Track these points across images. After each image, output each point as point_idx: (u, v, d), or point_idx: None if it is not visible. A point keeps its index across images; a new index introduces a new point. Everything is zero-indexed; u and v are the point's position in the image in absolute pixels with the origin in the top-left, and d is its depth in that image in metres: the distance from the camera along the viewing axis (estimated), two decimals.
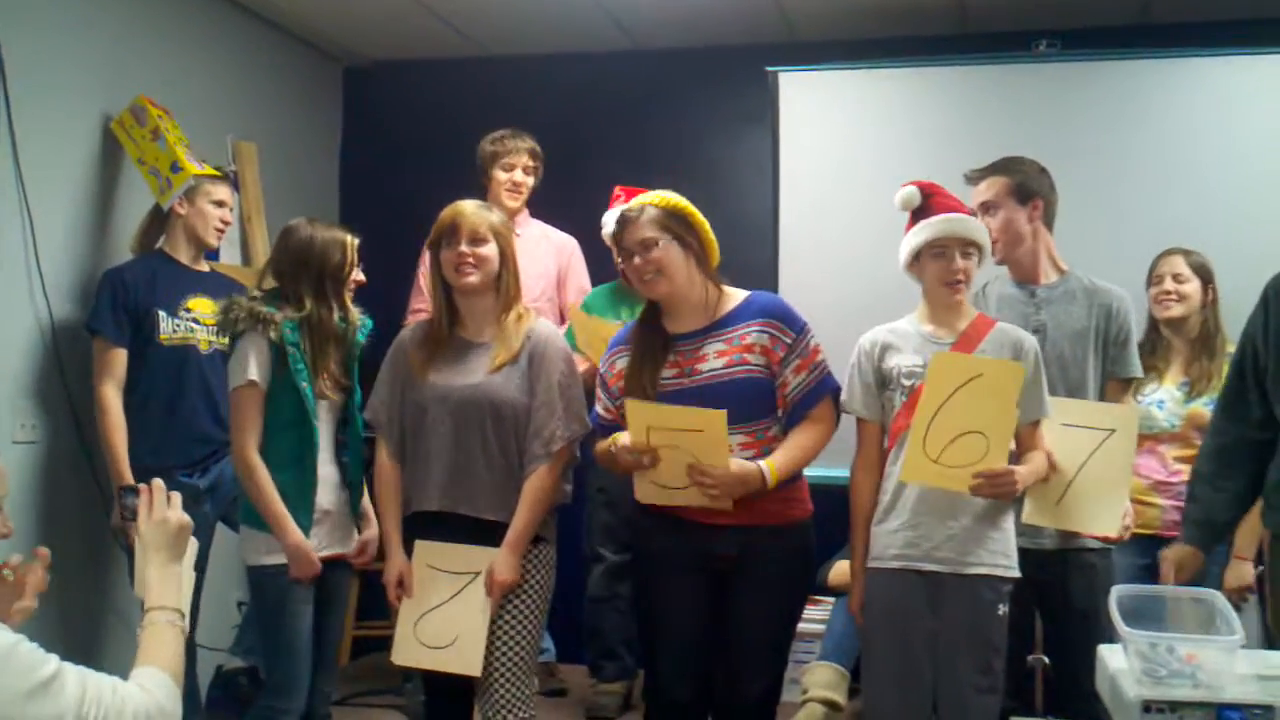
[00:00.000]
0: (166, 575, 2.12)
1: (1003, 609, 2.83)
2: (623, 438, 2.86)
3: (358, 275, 3.22)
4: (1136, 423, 3.09)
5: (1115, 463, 2.96)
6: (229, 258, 4.21)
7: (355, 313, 3.24)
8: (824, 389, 2.91)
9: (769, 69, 4.66)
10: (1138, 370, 3.30)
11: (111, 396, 3.67)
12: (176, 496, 2.20)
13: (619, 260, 3.10)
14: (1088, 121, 4.27)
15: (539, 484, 2.96)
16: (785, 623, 2.99)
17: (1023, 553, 3.07)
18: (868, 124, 4.59)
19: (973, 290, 3.26)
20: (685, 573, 2.91)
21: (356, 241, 3.20)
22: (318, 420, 3.09)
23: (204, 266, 3.93)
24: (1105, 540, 3.10)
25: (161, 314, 3.71)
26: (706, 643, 2.93)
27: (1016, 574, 2.86)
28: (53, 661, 1.82)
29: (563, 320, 4.19)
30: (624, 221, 2.94)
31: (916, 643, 2.86)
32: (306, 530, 3.06)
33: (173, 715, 1.94)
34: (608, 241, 4.11)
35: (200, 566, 3.64)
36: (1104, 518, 2.99)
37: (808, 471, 3.16)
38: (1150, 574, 3.41)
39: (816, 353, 2.92)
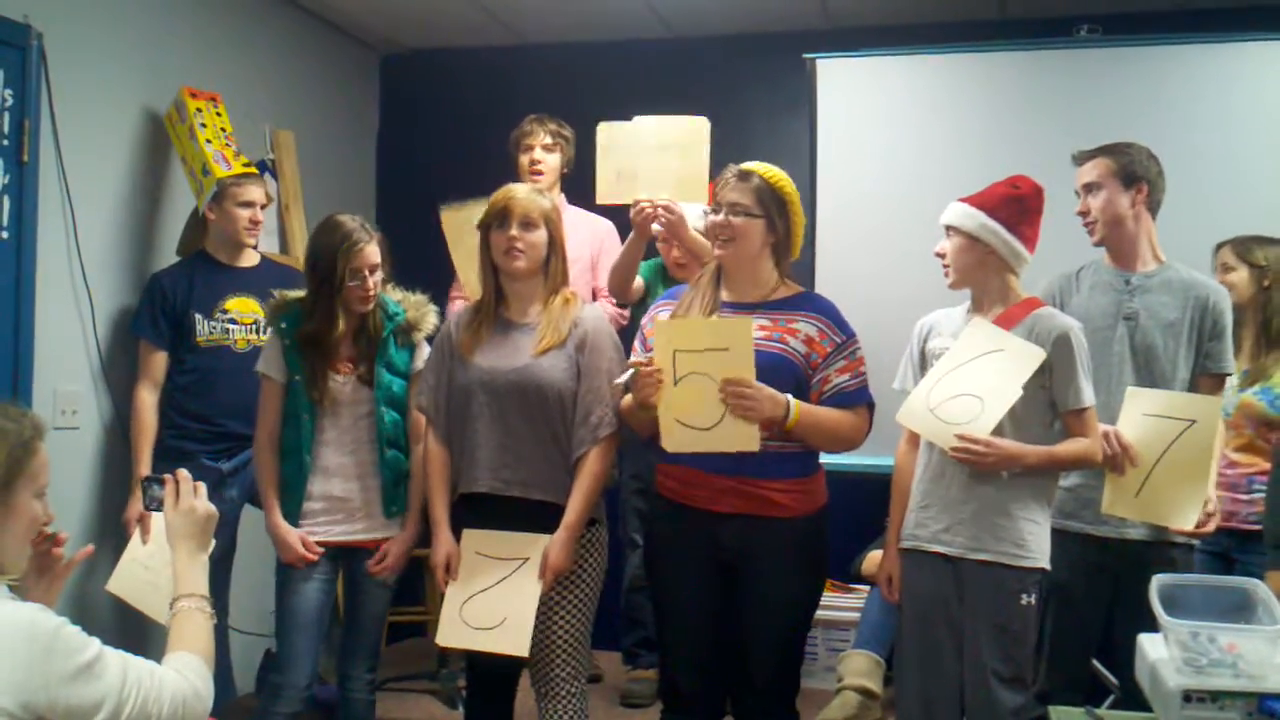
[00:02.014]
0: (194, 564, 2.18)
1: (1026, 599, 2.82)
2: (640, 360, 2.86)
3: (363, 283, 3.16)
4: (1219, 415, 3.06)
5: (1195, 454, 2.94)
6: (267, 246, 4.24)
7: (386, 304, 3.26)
8: (861, 397, 2.92)
9: (807, 56, 4.64)
10: (1231, 366, 3.25)
11: (145, 398, 3.81)
12: (202, 487, 2.26)
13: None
14: (1129, 108, 4.21)
15: (591, 468, 2.97)
16: (796, 614, 2.98)
17: (1105, 542, 3.07)
18: (906, 111, 4.56)
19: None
20: (692, 562, 2.92)
21: (359, 245, 3.14)
22: (307, 413, 3.18)
23: (251, 260, 3.97)
24: (1181, 533, 3.06)
25: (198, 317, 3.80)
26: (717, 632, 2.93)
27: (1036, 564, 2.84)
28: (94, 645, 1.87)
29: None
30: (728, 179, 2.96)
31: (941, 629, 2.88)
32: (294, 517, 3.18)
33: (206, 698, 2.00)
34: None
35: (228, 551, 3.73)
36: (1182, 510, 2.96)
37: (844, 460, 3.16)
38: (1213, 563, 3.37)
39: (861, 363, 2.93)
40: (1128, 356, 3.17)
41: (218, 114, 4.08)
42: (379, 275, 3.20)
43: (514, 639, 2.90)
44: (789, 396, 2.79)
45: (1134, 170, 3.22)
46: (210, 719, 2.27)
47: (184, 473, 2.28)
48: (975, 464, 2.79)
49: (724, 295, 2.97)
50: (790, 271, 3.02)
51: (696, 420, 2.78)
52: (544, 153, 4.24)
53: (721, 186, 2.96)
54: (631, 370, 2.87)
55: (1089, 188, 3.25)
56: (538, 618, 2.94)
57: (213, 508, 2.26)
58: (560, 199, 4.30)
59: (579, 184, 4.39)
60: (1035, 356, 2.79)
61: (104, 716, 1.85)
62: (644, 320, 3.08)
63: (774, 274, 2.97)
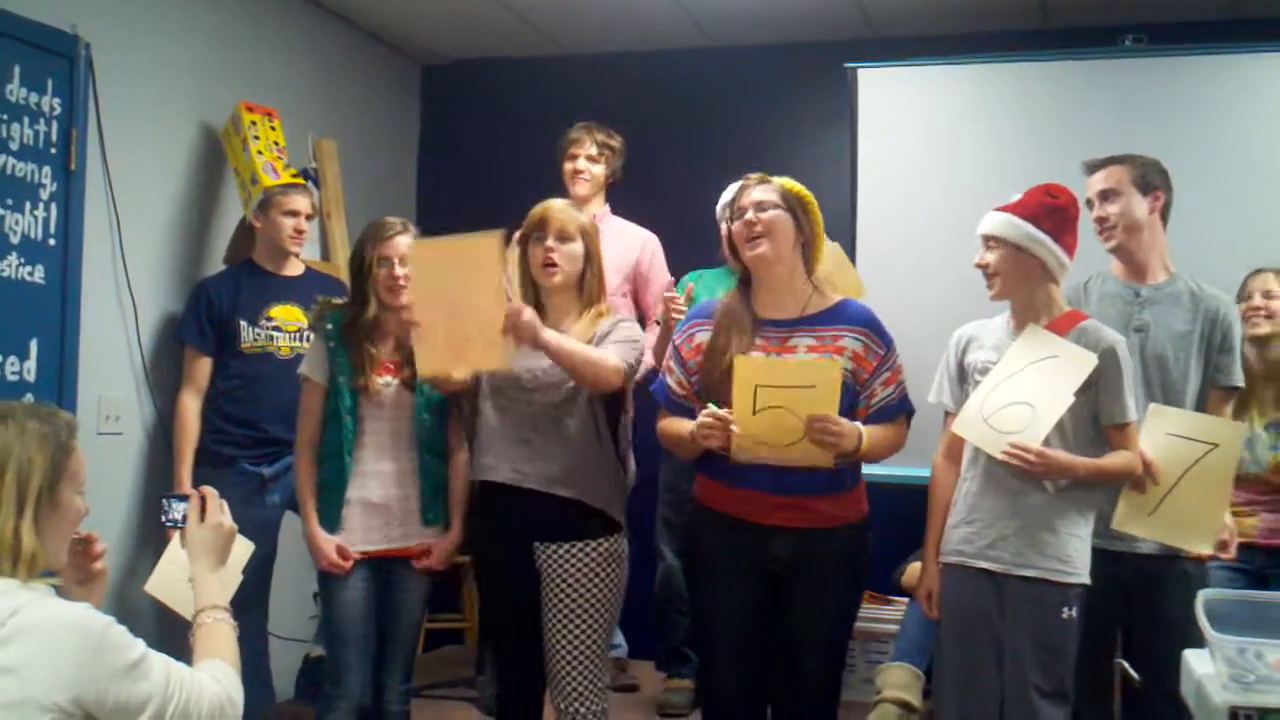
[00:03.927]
0: (214, 577, 2.24)
1: (1068, 613, 2.79)
2: (707, 414, 2.80)
3: (390, 270, 3.18)
4: (1241, 440, 3.02)
5: (1215, 479, 2.90)
6: (309, 254, 4.27)
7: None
8: (904, 407, 2.94)
9: (848, 65, 4.63)
10: (1240, 379, 3.22)
11: (188, 403, 3.83)
12: (224, 504, 2.31)
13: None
14: (1175, 119, 4.18)
15: (598, 348, 2.97)
16: (840, 623, 2.99)
17: (1117, 557, 3.04)
18: (948, 121, 4.54)
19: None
20: (738, 573, 2.91)
21: (388, 234, 3.20)
22: (349, 414, 3.18)
23: (296, 269, 4.00)
24: (1198, 558, 3.02)
25: (243, 323, 3.82)
26: (759, 640, 2.92)
27: (1078, 579, 2.82)
28: (140, 644, 1.94)
29: (643, 319, 4.18)
30: (746, 185, 2.95)
31: (981, 643, 2.86)
32: (334, 522, 3.18)
33: (240, 705, 2.06)
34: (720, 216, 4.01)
35: (269, 556, 3.75)
36: (1199, 534, 2.93)
37: (883, 471, 3.15)
38: (1243, 580, 3.33)
39: (900, 371, 2.94)
40: (1139, 368, 3.14)
41: (272, 128, 4.15)
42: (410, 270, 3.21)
43: (492, 354, 2.88)
44: (860, 426, 2.80)
45: (1150, 177, 3.21)
46: None
47: (210, 490, 2.34)
48: (1025, 471, 2.76)
49: (759, 312, 2.94)
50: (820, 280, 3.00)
51: (772, 439, 2.77)
52: (588, 162, 4.25)
53: (742, 193, 2.95)
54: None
55: (1106, 195, 3.21)
56: (556, 637, 2.97)
57: (234, 524, 2.32)
58: (604, 209, 4.31)
59: (624, 193, 4.41)
60: (1088, 362, 2.77)
61: (150, 715, 1.91)
62: (675, 338, 3.07)
63: (807, 282, 2.96)
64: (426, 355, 2.95)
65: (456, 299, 2.88)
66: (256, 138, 4.07)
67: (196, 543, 2.26)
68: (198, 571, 2.24)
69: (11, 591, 1.90)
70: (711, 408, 2.79)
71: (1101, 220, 3.22)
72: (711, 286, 4.00)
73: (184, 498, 2.35)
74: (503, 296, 2.87)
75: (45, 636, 1.85)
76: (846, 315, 2.94)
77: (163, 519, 2.40)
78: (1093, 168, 3.27)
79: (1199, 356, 3.17)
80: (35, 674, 1.82)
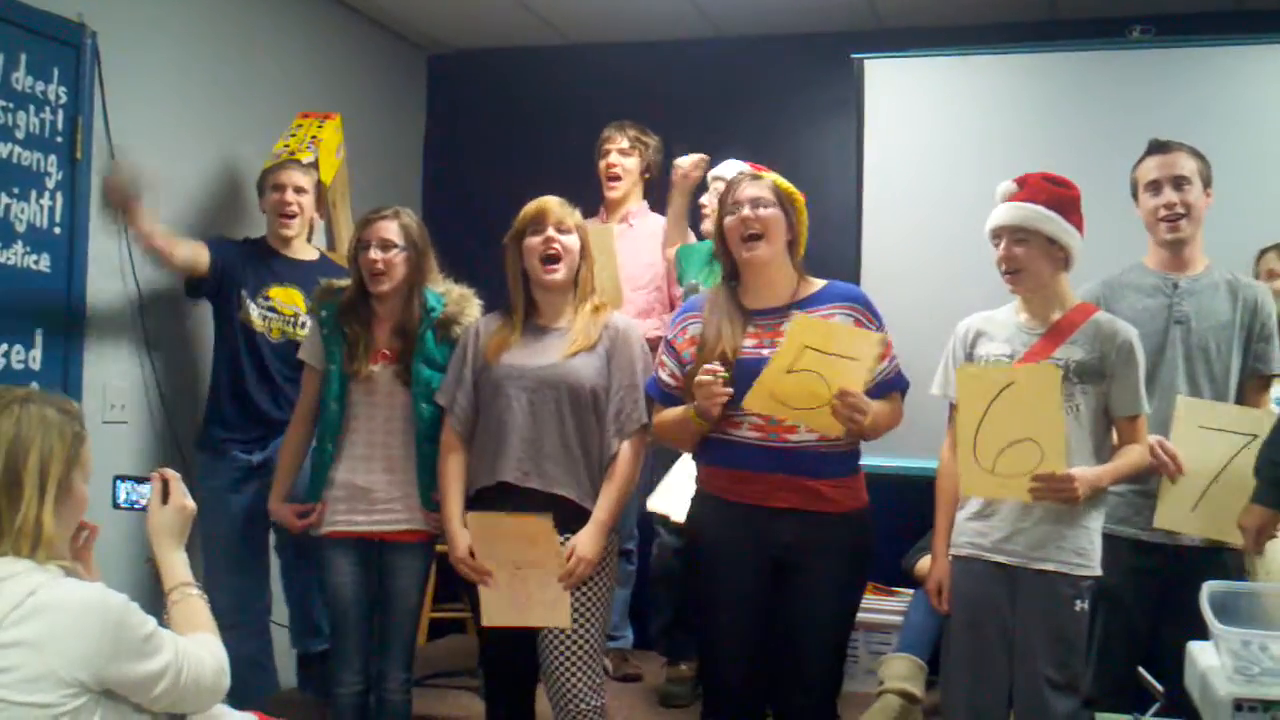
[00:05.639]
0: (178, 556, 2.30)
1: (1080, 605, 2.80)
2: (708, 369, 2.81)
3: (368, 253, 3.20)
4: None
5: None
6: (315, 243, 4.26)
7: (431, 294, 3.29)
8: (899, 382, 2.93)
9: (855, 56, 4.62)
10: (1278, 367, 3.19)
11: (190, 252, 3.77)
12: (183, 484, 2.35)
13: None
14: (1182, 111, 4.16)
15: (622, 469, 3.01)
16: (843, 611, 2.98)
17: (1156, 548, 3.03)
18: (955, 112, 4.53)
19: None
20: (742, 558, 2.90)
21: (371, 219, 3.24)
22: (335, 401, 3.22)
23: (308, 254, 3.96)
24: (1246, 550, 2.98)
25: (244, 294, 3.79)
26: (761, 628, 2.92)
27: (1092, 572, 2.82)
28: (152, 620, 2.03)
29: (672, 309, 4.15)
30: (741, 179, 2.95)
31: (992, 635, 2.86)
32: (315, 499, 3.23)
33: (228, 670, 2.17)
34: (705, 201, 4.00)
35: (266, 547, 3.75)
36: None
37: (885, 461, 3.14)
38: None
39: (891, 345, 2.91)
40: (1180, 361, 3.13)
41: (319, 125, 4.16)
42: (393, 254, 3.20)
43: (554, 613, 2.97)
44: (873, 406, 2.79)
45: (1209, 174, 3.19)
46: (258, 714, 2.42)
47: (170, 471, 2.36)
48: (1064, 501, 2.74)
49: (748, 304, 2.94)
50: (802, 268, 2.99)
51: (793, 401, 2.77)
52: (621, 156, 4.25)
53: (736, 187, 2.95)
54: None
55: (1179, 181, 3.15)
56: (550, 632, 2.98)
57: (194, 505, 2.35)
58: (642, 205, 4.30)
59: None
60: (1050, 374, 2.75)
61: (165, 685, 2.00)
62: (667, 333, 3.06)
63: (794, 273, 2.97)
64: (493, 608, 3.02)
65: (516, 561, 2.98)
66: (291, 135, 4.07)
67: (160, 525, 2.29)
68: (162, 553, 2.27)
69: (28, 571, 1.97)
70: (715, 365, 2.79)
71: (1170, 206, 3.16)
72: (698, 264, 3.96)
73: (143, 479, 2.35)
74: (560, 562, 2.95)
75: (66, 615, 1.92)
76: (836, 294, 2.95)
77: (120, 501, 2.39)
78: (1161, 148, 3.20)
79: (1240, 346, 3.15)
80: (56, 650, 1.89)
